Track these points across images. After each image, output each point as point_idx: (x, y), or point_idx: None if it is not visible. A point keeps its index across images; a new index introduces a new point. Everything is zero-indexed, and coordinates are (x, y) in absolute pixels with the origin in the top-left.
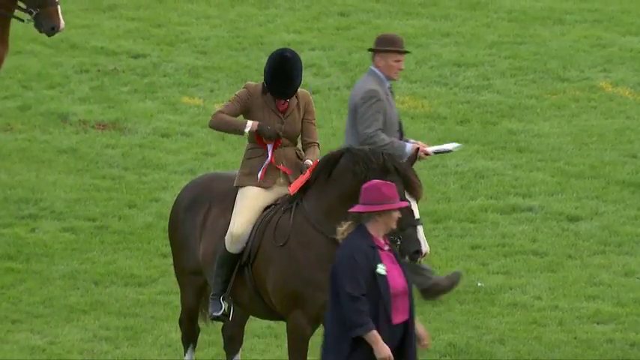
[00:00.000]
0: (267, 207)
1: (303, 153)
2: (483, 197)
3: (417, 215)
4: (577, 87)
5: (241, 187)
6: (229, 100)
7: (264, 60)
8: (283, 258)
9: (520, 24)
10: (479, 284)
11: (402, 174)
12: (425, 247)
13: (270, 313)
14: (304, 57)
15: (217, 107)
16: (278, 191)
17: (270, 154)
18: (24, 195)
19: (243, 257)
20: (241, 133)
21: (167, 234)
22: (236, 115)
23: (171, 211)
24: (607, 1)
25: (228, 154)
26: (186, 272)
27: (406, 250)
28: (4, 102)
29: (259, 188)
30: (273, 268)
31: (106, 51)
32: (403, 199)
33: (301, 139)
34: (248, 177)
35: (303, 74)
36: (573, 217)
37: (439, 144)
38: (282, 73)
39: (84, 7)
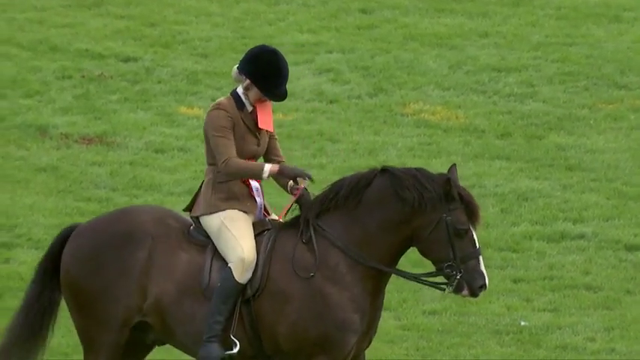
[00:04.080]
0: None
1: None
2: (527, 223)
3: (477, 244)
4: (636, 95)
5: (217, 212)
6: (221, 136)
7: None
8: (307, 295)
9: (570, 22)
10: (522, 323)
11: (465, 201)
12: (487, 279)
13: (262, 357)
14: (321, 60)
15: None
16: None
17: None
18: None
19: (247, 291)
20: (260, 178)
21: (65, 287)
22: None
23: (75, 256)
24: None
25: None
26: (111, 327)
27: (471, 284)
28: None
29: (244, 213)
30: (292, 307)
31: (92, 54)
32: (471, 229)
33: (266, 157)
34: (227, 202)
35: (318, 79)
36: (632, 246)
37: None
38: (279, 71)
39: (66, 4)
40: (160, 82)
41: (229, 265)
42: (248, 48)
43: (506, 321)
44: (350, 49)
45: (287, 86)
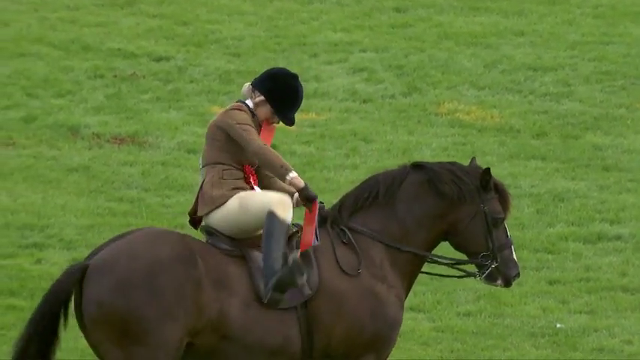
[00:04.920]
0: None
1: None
2: (563, 223)
3: (509, 234)
4: None
5: (227, 200)
6: (248, 127)
7: (308, 64)
8: (360, 294)
9: (607, 21)
10: (558, 326)
11: (499, 190)
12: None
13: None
14: (354, 59)
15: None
16: None
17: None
18: (28, 221)
19: (306, 290)
20: (282, 178)
21: (102, 324)
22: None
23: (117, 289)
24: None
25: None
26: (167, 351)
27: (506, 273)
28: (5, 112)
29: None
30: (348, 307)
31: (124, 53)
32: (504, 218)
33: (258, 170)
34: (235, 191)
35: (352, 79)
36: None
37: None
38: (296, 95)
39: (98, 3)
40: (192, 81)
41: (268, 211)
42: (281, 47)
43: (541, 323)
44: (384, 48)
45: (319, 86)
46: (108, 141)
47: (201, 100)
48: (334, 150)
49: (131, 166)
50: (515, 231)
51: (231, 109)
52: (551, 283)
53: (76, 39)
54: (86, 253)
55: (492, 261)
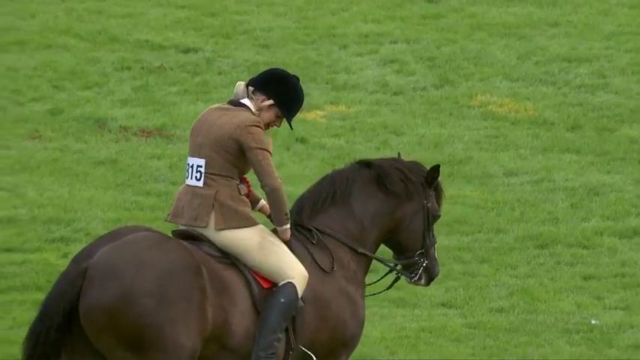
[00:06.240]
0: None
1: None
2: (598, 218)
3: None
4: None
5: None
6: (269, 154)
7: (338, 55)
8: (338, 297)
9: None
10: (593, 322)
11: (437, 188)
12: None
13: None
14: (385, 50)
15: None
16: None
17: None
18: (55, 214)
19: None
20: (279, 223)
21: (120, 324)
22: None
23: (128, 295)
24: None
25: (294, 166)
26: (187, 354)
27: (431, 273)
28: (32, 105)
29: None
30: (332, 312)
31: (151, 45)
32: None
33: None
34: (253, 217)
35: (383, 71)
36: None
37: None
38: (302, 97)
39: None
40: (220, 73)
41: (289, 281)
42: (311, 38)
43: (576, 319)
44: (415, 40)
45: (350, 78)
46: (135, 134)
47: (230, 93)
48: (364, 143)
49: (158, 159)
50: (549, 226)
51: (255, 126)
52: (585, 278)
53: (103, 30)
54: None
55: (424, 259)
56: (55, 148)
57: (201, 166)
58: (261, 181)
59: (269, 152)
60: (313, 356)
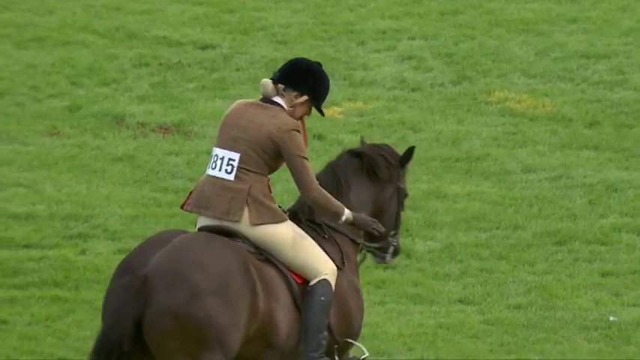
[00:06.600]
0: None
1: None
2: (617, 214)
3: None
4: None
5: (284, 221)
6: (307, 160)
7: (355, 51)
8: (350, 291)
9: None
10: (611, 319)
11: (405, 168)
12: None
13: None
14: (403, 47)
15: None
16: None
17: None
18: (73, 211)
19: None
20: (337, 219)
21: (188, 327)
22: None
23: (195, 298)
24: None
25: (311, 162)
26: (233, 357)
27: (398, 248)
28: (50, 101)
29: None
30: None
31: (169, 41)
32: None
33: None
34: (282, 213)
35: (400, 67)
36: None
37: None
38: (329, 87)
39: None
40: (238, 69)
41: (324, 278)
42: (328, 35)
43: (594, 316)
44: (433, 36)
45: (367, 74)
46: (153, 130)
47: (247, 89)
48: (382, 139)
49: (176, 155)
50: (567, 222)
51: (293, 130)
52: (604, 275)
53: (121, 27)
54: (131, 243)
55: (396, 238)
56: (73, 145)
57: (234, 160)
58: (302, 193)
59: (307, 159)
60: (362, 347)
